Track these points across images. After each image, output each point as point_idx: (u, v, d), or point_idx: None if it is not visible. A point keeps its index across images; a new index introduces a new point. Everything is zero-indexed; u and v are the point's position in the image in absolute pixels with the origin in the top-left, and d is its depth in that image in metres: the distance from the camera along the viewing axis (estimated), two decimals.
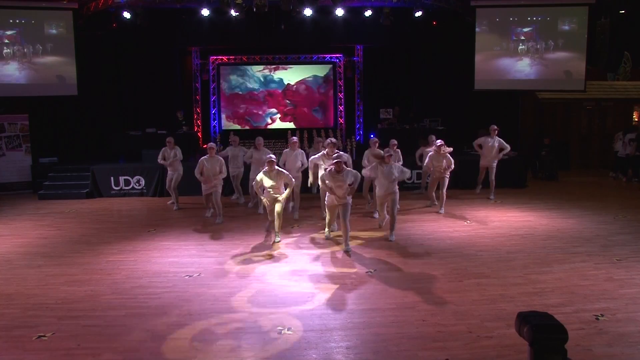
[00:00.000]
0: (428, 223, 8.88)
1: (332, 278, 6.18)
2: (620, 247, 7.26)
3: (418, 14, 13.26)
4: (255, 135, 10.45)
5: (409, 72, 14.64)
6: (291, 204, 9.49)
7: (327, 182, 7.18)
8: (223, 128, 14.88)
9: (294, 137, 9.76)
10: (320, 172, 8.10)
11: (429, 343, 4.53)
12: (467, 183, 11.35)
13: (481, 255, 6.97)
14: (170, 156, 10.13)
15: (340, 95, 15.15)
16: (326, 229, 7.96)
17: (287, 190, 7.73)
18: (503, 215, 9.32)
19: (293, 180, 7.90)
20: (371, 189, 9.44)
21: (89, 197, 11.56)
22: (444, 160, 9.28)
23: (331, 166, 7.17)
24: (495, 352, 4.34)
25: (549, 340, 2.38)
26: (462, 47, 13.46)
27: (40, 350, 4.51)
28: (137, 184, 11.77)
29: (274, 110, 15.14)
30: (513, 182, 11.98)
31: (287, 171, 7.98)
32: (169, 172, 10.23)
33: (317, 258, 6.98)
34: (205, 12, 12.76)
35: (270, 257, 7.09)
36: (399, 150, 9.73)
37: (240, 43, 13.99)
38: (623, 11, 14.70)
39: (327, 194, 7.34)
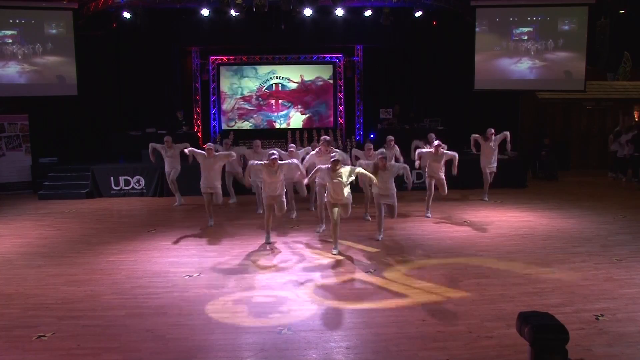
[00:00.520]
0: (428, 223, 8.88)
1: (332, 278, 6.18)
2: (620, 247, 7.26)
3: (418, 14, 13.26)
4: (255, 136, 10.45)
5: (409, 72, 14.63)
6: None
7: (324, 180, 7.10)
8: (223, 128, 14.87)
9: (292, 145, 9.57)
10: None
11: (429, 343, 4.52)
12: (467, 183, 11.34)
13: (481, 255, 6.97)
14: (168, 155, 10.23)
15: (340, 95, 15.15)
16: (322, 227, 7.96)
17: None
18: (503, 215, 9.32)
19: (296, 162, 7.76)
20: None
21: (89, 197, 11.55)
22: (442, 160, 9.18)
23: (327, 165, 7.01)
24: (495, 352, 4.34)
25: (550, 340, 2.38)
26: (462, 47, 13.46)
27: (40, 350, 4.51)
28: (137, 184, 11.77)
29: (273, 109, 15.13)
30: (513, 182, 11.98)
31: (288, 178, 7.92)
32: (167, 168, 10.36)
33: (317, 258, 6.98)
34: (205, 12, 12.76)
35: (270, 257, 7.09)
36: (396, 147, 9.65)
37: (240, 43, 13.99)
38: (623, 11, 14.69)
39: (327, 193, 7.19)
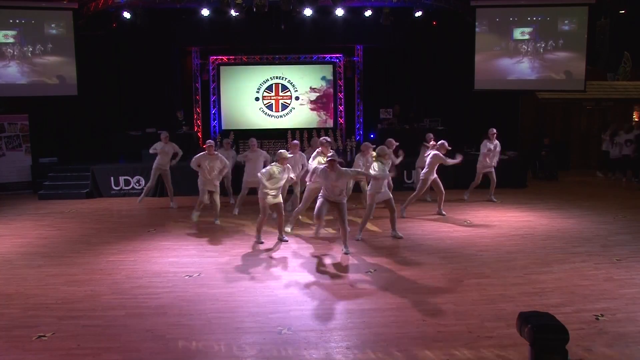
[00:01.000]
0: (428, 223, 8.88)
1: (332, 278, 6.18)
2: (620, 247, 7.26)
3: (418, 14, 13.26)
4: (255, 136, 10.45)
5: (409, 72, 14.63)
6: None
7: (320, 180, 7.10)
8: (223, 128, 14.87)
9: (295, 141, 9.70)
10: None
11: (429, 343, 4.52)
12: (467, 183, 11.33)
13: (481, 255, 6.98)
14: (165, 150, 10.28)
15: (340, 95, 15.15)
16: (289, 227, 8.02)
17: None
18: (503, 215, 9.32)
19: (293, 177, 7.87)
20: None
21: (89, 197, 11.55)
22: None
23: (325, 165, 7.03)
24: (495, 352, 4.34)
25: (550, 340, 2.38)
26: (462, 47, 13.46)
27: (40, 350, 4.51)
28: (137, 184, 11.77)
29: (273, 110, 15.13)
30: (513, 182, 11.98)
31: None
32: (160, 162, 10.32)
33: (317, 258, 6.98)
34: (205, 12, 12.76)
35: (270, 257, 7.09)
36: (390, 155, 9.72)
37: (240, 43, 14.00)
38: (623, 11, 14.70)
39: (322, 188, 7.14)
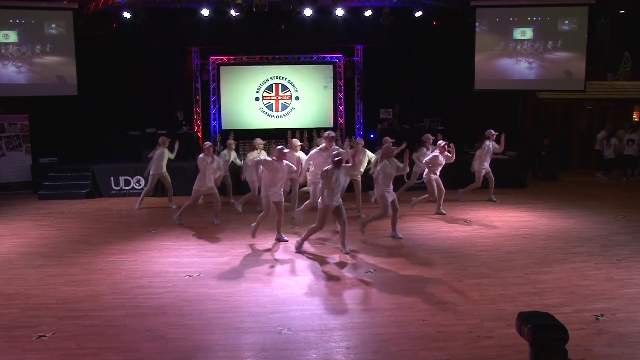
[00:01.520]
0: (428, 223, 8.88)
1: (332, 278, 6.18)
2: (620, 247, 7.26)
3: (418, 14, 13.27)
4: (255, 136, 10.45)
5: (409, 72, 14.64)
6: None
7: (327, 179, 7.05)
8: (223, 128, 14.87)
9: (295, 139, 9.72)
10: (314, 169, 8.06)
11: (429, 343, 4.52)
12: (467, 183, 11.33)
13: (481, 255, 6.98)
14: (163, 156, 10.19)
15: (340, 95, 15.16)
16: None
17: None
18: (503, 215, 9.32)
19: (294, 168, 7.75)
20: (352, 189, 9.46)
21: (89, 197, 11.56)
22: (444, 160, 9.18)
23: (330, 165, 6.90)
24: (495, 352, 4.34)
25: (550, 340, 2.38)
26: (462, 47, 13.46)
27: (40, 350, 4.50)
28: (137, 184, 11.77)
29: (272, 110, 15.14)
30: (513, 182, 11.98)
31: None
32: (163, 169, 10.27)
33: (317, 258, 6.98)
34: (205, 12, 12.76)
35: (270, 257, 7.09)
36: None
37: (240, 43, 14.00)
38: (623, 11, 14.71)
39: (321, 197, 6.97)
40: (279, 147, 7.53)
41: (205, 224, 8.97)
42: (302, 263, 6.77)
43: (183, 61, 14.80)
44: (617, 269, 6.36)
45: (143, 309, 5.32)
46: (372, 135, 14.46)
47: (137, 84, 14.00)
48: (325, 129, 8.87)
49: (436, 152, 9.18)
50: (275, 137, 13.64)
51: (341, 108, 15.19)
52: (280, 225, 7.83)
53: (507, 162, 12.26)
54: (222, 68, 14.92)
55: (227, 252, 7.29)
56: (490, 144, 10.20)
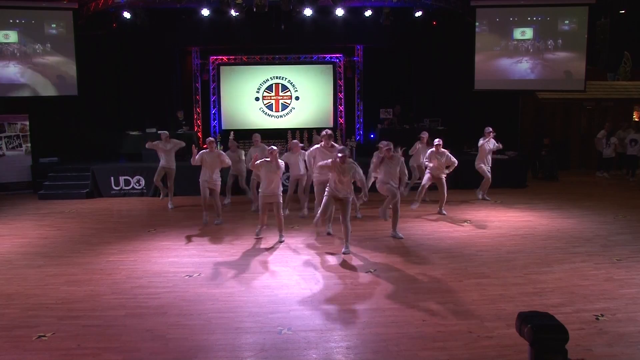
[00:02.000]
0: (428, 223, 8.88)
1: (332, 278, 6.18)
2: (620, 247, 7.26)
3: (418, 14, 13.27)
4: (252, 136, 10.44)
5: (409, 72, 14.64)
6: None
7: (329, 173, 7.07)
8: (223, 128, 14.88)
9: (295, 140, 9.74)
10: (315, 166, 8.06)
11: (429, 343, 4.52)
12: (467, 183, 11.34)
13: (481, 255, 6.97)
14: (167, 148, 10.00)
15: (340, 95, 15.16)
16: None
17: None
18: (503, 215, 9.32)
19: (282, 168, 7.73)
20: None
21: (89, 197, 11.55)
22: (443, 159, 9.17)
23: (335, 159, 6.90)
24: (495, 352, 4.34)
25: (550, 340, 2.38)
26: (462, 47, 13.46)
27: (40, 350, 4.50)
28: (137, 184, 11.77)
29: (273, 110, 15.14)
30: (513, 182, 11.98)
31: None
32: (163, 163, 10.06)
33: (317, 258, 6.98)
34: (205, 12, 12.77)
35: (270, 257, 7.09)
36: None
37: (240, 43, 14.00)
38: (623, 11, 14.70)
39: (328, 185, 7.09)
40: (270, 147, 7.65)
41: (205, 224, 8.96)
42: (302, 263, 6.77)
43: (183, 61, 14.80)
44: (617, 269, 6.36)
45: (143, 309, 5.32)
46: (372, 135, 14.46)
47: (137, 84, 14.00)
48: (325, 129, 8.89)
49: (432, 150, 9.20)
50: (275, 137, 13.65)
51: (341, 108, 15.19)
52: (280, 226, 7.84)
53: (507, 162, 12.26)
54: (222, 68, 14.92)
55: (227, 252, 7.29)
56: (485, 142, 10.07)
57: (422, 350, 4.41)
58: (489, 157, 10.22)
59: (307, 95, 15.15)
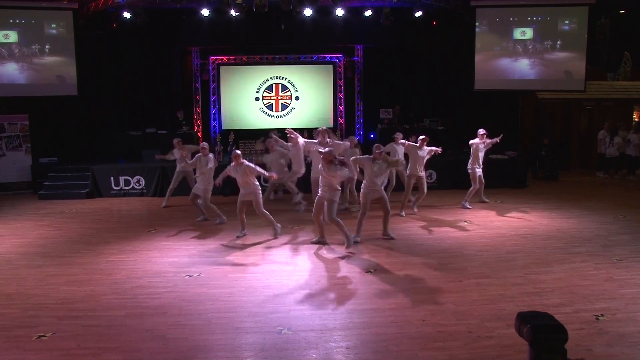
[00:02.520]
0: (428, 223, 8.88)
1: (332, 278, 6.18)
2: (620, 247, 7.26)
3: (418, 14, 13.27)
4: (254, 136, 10.44)
5: (409, 72, 14.64)
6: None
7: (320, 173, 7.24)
8: (223, 128, 14.88)
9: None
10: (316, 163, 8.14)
11: (429, 343, 4.53)
12: (467, 184, 11.32)
13: (481, 255, 6.97)
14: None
15: (340, 95, 15.16)
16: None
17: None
18: (503, 215, 9.32)
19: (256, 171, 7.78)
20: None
21: (89, 197, 11.55)
22: (424, 153, 9.22)
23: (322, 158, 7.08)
24: (495, 352, 4.34)
25: (549, 340, 2.38)
26: (462, 47, 13.47)
27: (40, 350, 4.51)
28: (137, 184, 11.77)
29: (273, 110, 15.14)
30: (513, 182, 11.98)
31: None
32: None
33: (317, 258, 6.98)
34: (205, 12, 12.76)
35: (270, 257, 7.09)
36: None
37: (240, 43, 14.01)
38: (623, 11, 14.70)
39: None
40: (234, 152, 7.86)
41: (206, 224, 8.97)
42: (302, 263, 6.77)
43: (183, 61, 14.80)
44: (617, 269, 6.36)
45: (143, 309, 5.32)
46: (372, 135, 14.46)
47: (137, 84, 14.01)
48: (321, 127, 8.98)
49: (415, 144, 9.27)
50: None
51: (341, 108, 15.19)
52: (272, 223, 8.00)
53: (507, 162, 12.26)
54: (222, 68, 14.92)
55: (227, 252, 7.29)
56: (476, 143, 9.80)
57: (422, 350, 4.41)
58: (481, 156, 9.87)
59: (307, 95, 15.15)
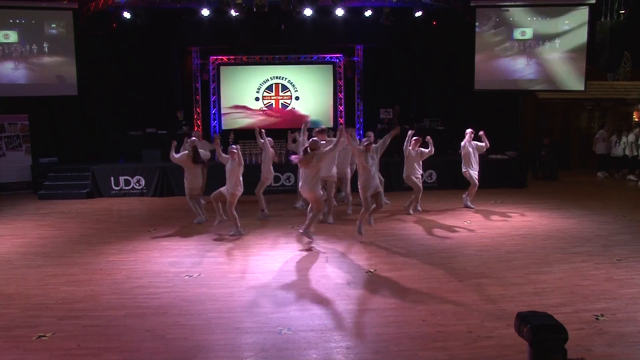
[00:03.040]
0: (428, 223, 8.88)
1: (332, 278, 6.18)
2: (620, 247, 7.26)
3: (418, 14, 13.26)
4: (254, 136, 10.42)
5: (409, 72, 14.63)
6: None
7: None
8: (223, 128, 14.87)
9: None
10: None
11: (429, 343, 4.53)
12: (467, 184, 11.32)
13: (481, 255, 6.98)
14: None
15: (340, 95, 15.15)
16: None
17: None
18: (503, 215, 9.32)
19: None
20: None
21: (89, 197, 11.55)
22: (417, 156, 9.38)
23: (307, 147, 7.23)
24: (495, 352, 4.34)
25: (549, 340, 2.39)
26: (462, 47, 13.46)
27: (40, 350, 4.51)
28: (137, 184, 11.78)
29: (272, 109, 15.14)
30: (513, 182, 11.98)
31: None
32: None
33: (317, 258, 6.98)
34: (205, 12, 12.76)
35: (271, 257, 7.09)
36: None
37: (240, 43, 13.99)
38: (623, 11, 14.68)
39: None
40: (231, 147, 8.02)
41: (206, 224, 8.97)
42: (302, 263, 6.77)
43: (183, 61, 14.79)
44: (617, 269, 6.36)
45: (143, 309, 5.32)
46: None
47: (137, 84, 13.99)
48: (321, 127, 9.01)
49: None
50: (276, 137, 13.62)
51: (341, 108, 15.18)
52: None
53: (507, 162, 12.26)
54: (222, 68, 14.91)
55: (227, 252, 7.29)
56: (466, 143, 9.72)
57: (422, 350, 4.41)
58: (474, 159, 9.75)
59: (307, 95, 15.14)
